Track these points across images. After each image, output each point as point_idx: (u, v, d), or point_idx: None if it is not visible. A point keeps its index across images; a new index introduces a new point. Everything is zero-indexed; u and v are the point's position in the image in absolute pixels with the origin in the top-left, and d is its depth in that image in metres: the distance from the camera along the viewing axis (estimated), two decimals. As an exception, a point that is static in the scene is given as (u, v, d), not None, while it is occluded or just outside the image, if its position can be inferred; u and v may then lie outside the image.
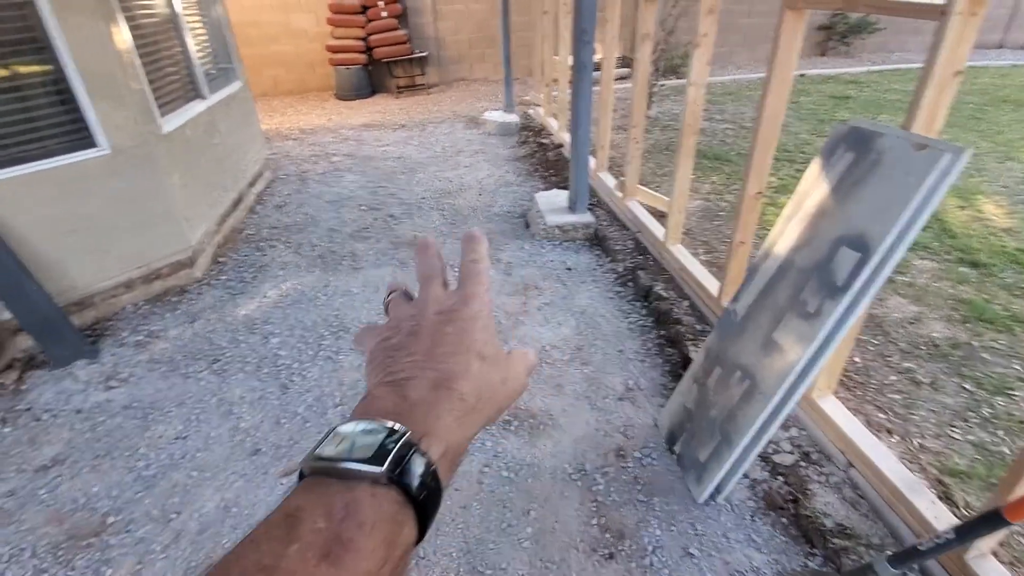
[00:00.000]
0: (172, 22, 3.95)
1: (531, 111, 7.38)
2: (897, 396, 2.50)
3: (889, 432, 2.33)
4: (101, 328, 3.32)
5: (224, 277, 3.85)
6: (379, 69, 9.40)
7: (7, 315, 3.00)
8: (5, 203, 2.90)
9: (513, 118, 6.97)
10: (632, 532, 2.01)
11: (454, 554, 1.97)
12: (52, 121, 3.01)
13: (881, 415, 2.41)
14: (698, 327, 2.90)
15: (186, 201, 3.79)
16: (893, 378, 2.62)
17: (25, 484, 2.33)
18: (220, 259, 4.08)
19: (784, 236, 2.00)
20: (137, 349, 3.14)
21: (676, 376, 2.72)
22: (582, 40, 3.51)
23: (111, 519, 2.18)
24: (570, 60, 3.89)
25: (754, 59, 10.94)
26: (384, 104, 8.78)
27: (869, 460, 2.01)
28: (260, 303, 3.53)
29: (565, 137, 5.87)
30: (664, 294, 3.20)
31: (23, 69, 2.89)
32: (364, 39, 8.99)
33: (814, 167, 1.96)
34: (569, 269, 3.79)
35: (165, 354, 3.09)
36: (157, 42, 3.70)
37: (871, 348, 2.83)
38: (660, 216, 3.95)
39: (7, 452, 2.49)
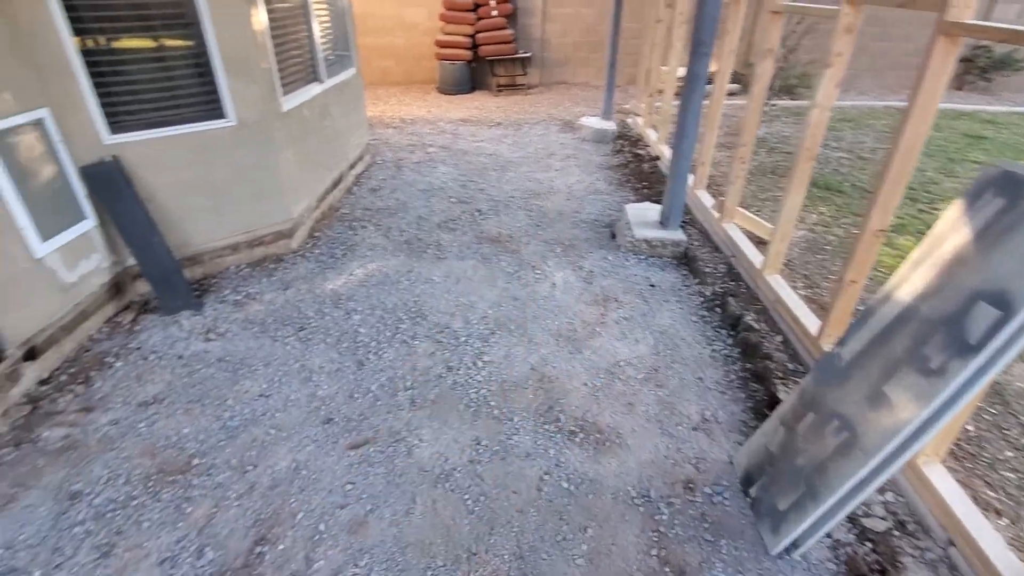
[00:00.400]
0: (303, 8, 4.21)
1: (629, 120, 7.24)
2: (1011, 475, 2.21)
3: (998, 513, 2.05)
4: (207, 284, 3.61)
5: (317, 251, 4.06)
6: (482, 66, 9.60)
7: (132, 262, 3.33)
8: (147, 162, 3.22)
9: (610, 125, 6.87)
10: (694, 571, 1.90)
11: (506, 556, 1.95)
12: (191, 91, 3.30)
13: (991, 493, 2.13)
14: (790, 365, 2.70)
15: (294, 177, 4.03)
16: (1009, 454, 2.31)
17: (128, 416, 2.57)
18: (316, 234, 4.32)
19: (909, 281, 1.81)
20: (235, 307, 3.38)
21: (760, 414, 2.55)
22: (699, 51, 3.38)
23: (196, 461, 2.35)
24: (680, 71, 3.75)
25: (881, 86, 10.13)
26: (483, 101, 8.96)
27: (973, 540, 1.78)
28: (347, 280, 3.69)
29: (663, 150, 5.70)
30: (755, 325, 3.01)
31: (171, 42, 3.18)
32: (472, 36, 9.21)
33: (955, 209, 1.75)
34: (653, 286, 3.67)
35: (258, 316, 3.30)
36: (287, 26, 3.96)
37: (987, 417, 2.51)
38: (758, 242, 3.73)
39: (117, 384, 2.76)
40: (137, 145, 3.17)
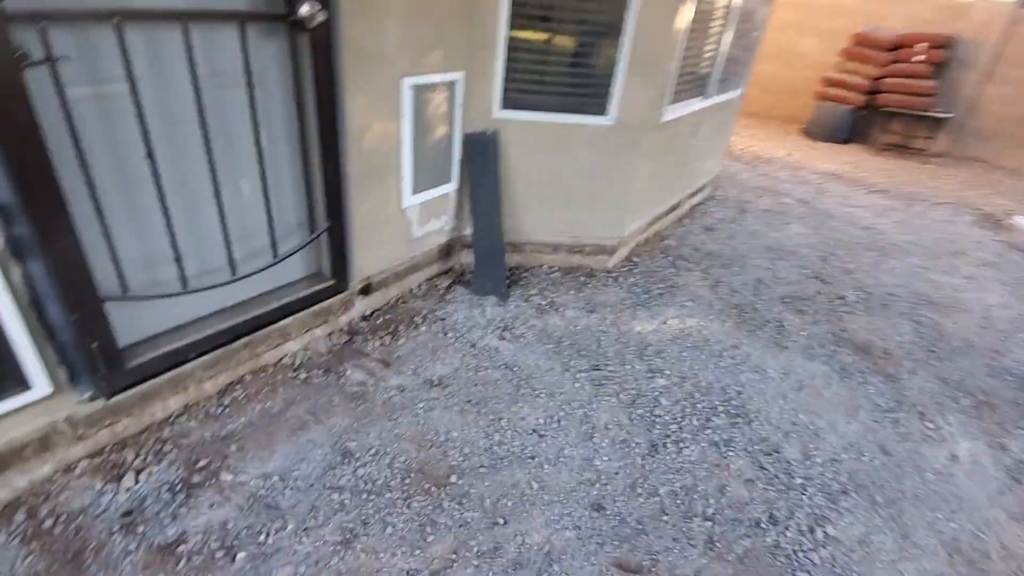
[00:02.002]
0: (726, 14, 3.69)
1: (1101, 239, 4.89)
2: None
3: None
4: (517, 275, 3.46)
5: (631, 280, 3.58)
6: (871, 117, 7.87)
7: (468, 232, 3.34)
8: (517, 140, 3.14)
9: (1065, 238, 4.73)
10: None
11: None
12: (584, 82, 3.08)
13: None
14: None
15: (640, 192, 3.60)
16: None
17: (413, 389, 2.47)
18: (634, 258, 3.85)
19: None
20: (536, 313, 3.12)
21: None
22: None
23: (453, 478, 2.07)
24: None
25: None
26: (861, 157, 7.32)
27: None
28: (658, 328, 3.11)
29: None
30: None
31: (587, 38, 2.98)
32: (876, 80, 7.57)
33: None
34: None
35: (556, 332, 2.97)
36: (703, 31, 3.48)
37: None
38: None
39: (415, 350, 2.72)
40: (516, 124, 3.09)
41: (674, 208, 4.47)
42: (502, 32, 2.82)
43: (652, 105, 3.20)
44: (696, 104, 3.88)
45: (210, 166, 1.95)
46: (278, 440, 2.14)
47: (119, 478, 1.92)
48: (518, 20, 2.84)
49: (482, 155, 3.07)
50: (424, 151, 2.81)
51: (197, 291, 2.02)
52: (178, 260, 1.94)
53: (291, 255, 2.35)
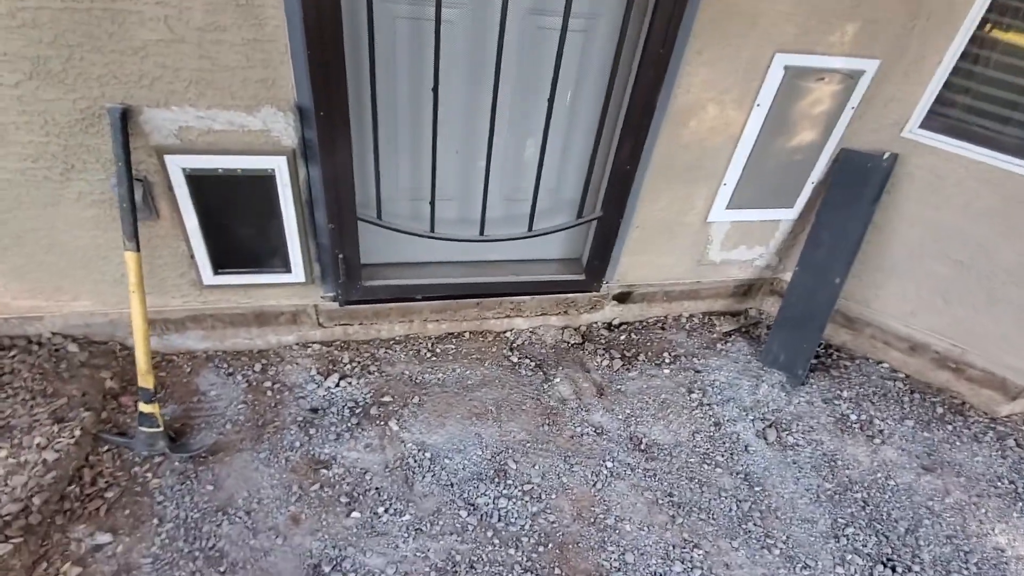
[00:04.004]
0: None
1: None
2: None
3: None
4: (832, 361, 2.44)
5: (1038, 451, 2.14)
6: None
7: (785, 276, 2.48)
8: (933, 181, 2.06)
9: None
10: None
11: None
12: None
13: None
14: None
15: None
16: None
17: (613, 439, 1.98)
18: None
19: None
20: (834, 425, 2.14)
21: None
22: None
23: (591, 584, 1.57)
24: None
25: None
26: None
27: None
28: (1050, 561, 1.77)
29: None
30: None
31: None
32: None
33: None
34: None
35: (849, 471, 1.98)
36: None
37: None
38: None
39: (641, 392, 2.18)
40: (940, 156, 2.00)
41: None
42: (974, 13, 1.76)
43: None
44: None
45: (492, 114, 1.73)
46: (453, 415, 1.99)
47: (328, 374, 2.07)
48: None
49: (858, 185, 2.12)
50: (766, 158, 2.07)
51: (444, 239, 1.93)
52: (432, 204, 1.85)
53: (544, 234, 2.05)
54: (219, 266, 1.84)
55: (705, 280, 2.46)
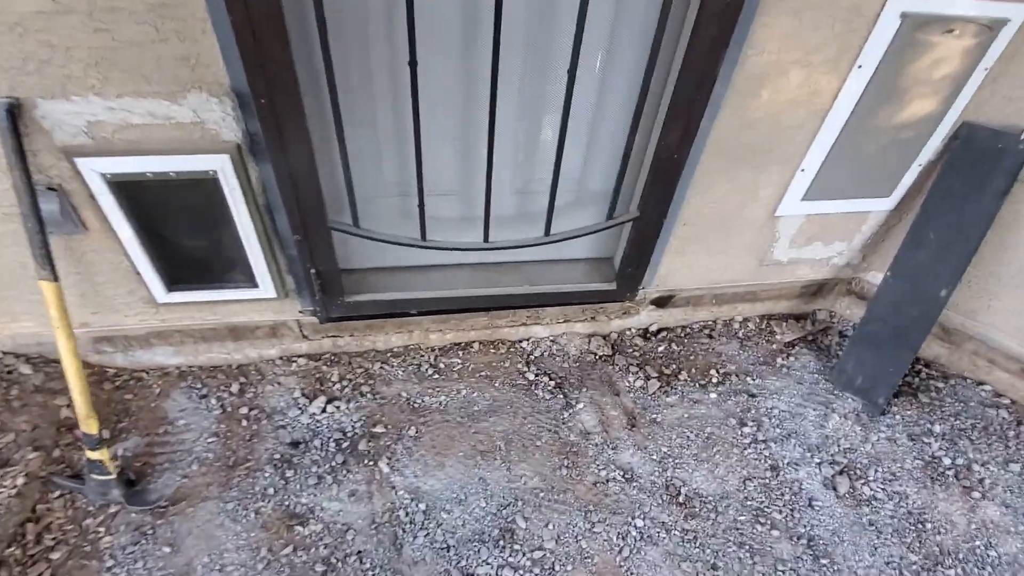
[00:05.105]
0: None
1: None
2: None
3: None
4: (922, 382, 2.00)
5: None
6: None
7: (870, 277, 2.01)
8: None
9: None
10: None
11: None
12: None
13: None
14: None
15: None
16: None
17: (645, 488, 1.64)
18: None
19: None
20: (922, 470, 1.74)
21: None
22: None
23: None
24: None
25: None
26: None
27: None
28: None
29: None
30: None
31: None
32: None
33: None
34: None
35: (940, 532, 1.60)
36: None
37: None
38: None
39: (680, 423, 1.82)
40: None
41: None
42: None
43: None
44: None
45: (492, 89, 1.30)
46: (454, 453, 1.69)
47: (314, 396, 1.79)
48: None
49: (982, 170, 1.61)
50: (862, 135, 1.57)
51: (438, 248, 1.55)
52: (421, 205, 1.46)
53: (566, 239, 1.64)
54: (173, 282, 1.54)
55: (767, 283, 2.02)
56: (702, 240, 1.78)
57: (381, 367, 1.90)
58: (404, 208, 1.62)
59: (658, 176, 1.51)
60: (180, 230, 1.43)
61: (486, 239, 1.55)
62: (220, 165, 1.30)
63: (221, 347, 1.81)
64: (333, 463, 1.64)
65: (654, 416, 1.84)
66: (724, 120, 1.45)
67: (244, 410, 1.74)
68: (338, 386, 1.84)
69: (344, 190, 1.41)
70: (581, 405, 1.85)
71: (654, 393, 1.90)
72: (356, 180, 1.40)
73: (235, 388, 1.79)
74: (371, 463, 1.65)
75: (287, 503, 1.54)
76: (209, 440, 1.66)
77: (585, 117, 1.50)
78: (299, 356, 1.90)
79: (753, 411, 1.87)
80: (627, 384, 1.92)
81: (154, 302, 1.58)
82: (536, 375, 1.93)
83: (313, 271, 1.52)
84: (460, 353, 1.97)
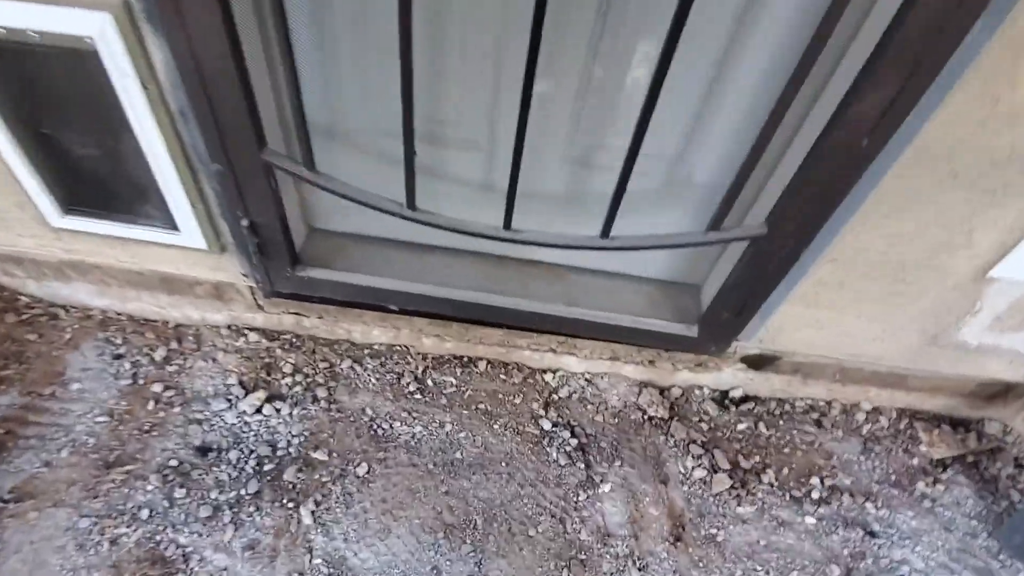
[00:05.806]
0: None
1: None
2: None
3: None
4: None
5: None
6: None
7: None
8: None
9: None
10: None
11: None
12: None
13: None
14: None
15: None
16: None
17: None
18: None
19: None
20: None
21: None
22: None
23: None
24: None
25: None
26: None
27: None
28: None
29: None
30: None
31: None
32: None
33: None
34: None
35: None
36: None
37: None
38: None
39: (753, 551, 1.20)
40: None
41: None
42: None
43: None
44: None
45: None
46: (410, 517, 1.17)
47: (252, 388, 1.33)
48: None
49: None
50: None
51: (430, 225, 0.99)
52: (408, 156, 0.90)
53: (634, 249, 1.03)
54: (69, 203, 1.10)
55: (932, 370, 1.32)
56: (851, 290, 1.12)
57: (351, 366, 1.41)
58: (399, 155, 1.07)
59: (812, 179, 0.87)
60: (64, 130, 0.97)
61: (507, 225, 0.98)
62: (99, 29, 0.81)
63: (152, 298, 1.38)
64: (242, 492, 1.17)
65: (713, 531, 1.23)
66: (955, 107, 0.79)
67: (158, 387, 1.31)
68: (288, 380, 1.36)
69: (290, 107, 0.87)
70: (608, 487, 1.27)
71: (720, 494, 1.28)
72: (315, 95, 0.87)
73: (159, 355, 1.36)
74: (292, 505, 1.16)
75: (158, 538, 1.09)
76: (98, 419, 1.24)
77: (704, 56, 0.88)
78: (251, 329, 1.44)
79: (870, 560, 1.21)
80: (682, 470, 1.32)
81: (48, 224, 1.15)
82: (554, 425, 1.36)
83: (245, 222, 1.02)
84: (459, 370, 1.43)
